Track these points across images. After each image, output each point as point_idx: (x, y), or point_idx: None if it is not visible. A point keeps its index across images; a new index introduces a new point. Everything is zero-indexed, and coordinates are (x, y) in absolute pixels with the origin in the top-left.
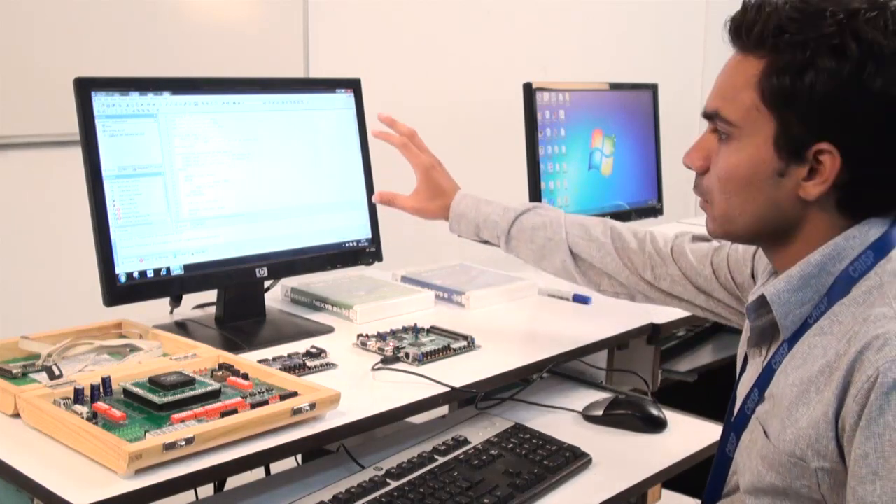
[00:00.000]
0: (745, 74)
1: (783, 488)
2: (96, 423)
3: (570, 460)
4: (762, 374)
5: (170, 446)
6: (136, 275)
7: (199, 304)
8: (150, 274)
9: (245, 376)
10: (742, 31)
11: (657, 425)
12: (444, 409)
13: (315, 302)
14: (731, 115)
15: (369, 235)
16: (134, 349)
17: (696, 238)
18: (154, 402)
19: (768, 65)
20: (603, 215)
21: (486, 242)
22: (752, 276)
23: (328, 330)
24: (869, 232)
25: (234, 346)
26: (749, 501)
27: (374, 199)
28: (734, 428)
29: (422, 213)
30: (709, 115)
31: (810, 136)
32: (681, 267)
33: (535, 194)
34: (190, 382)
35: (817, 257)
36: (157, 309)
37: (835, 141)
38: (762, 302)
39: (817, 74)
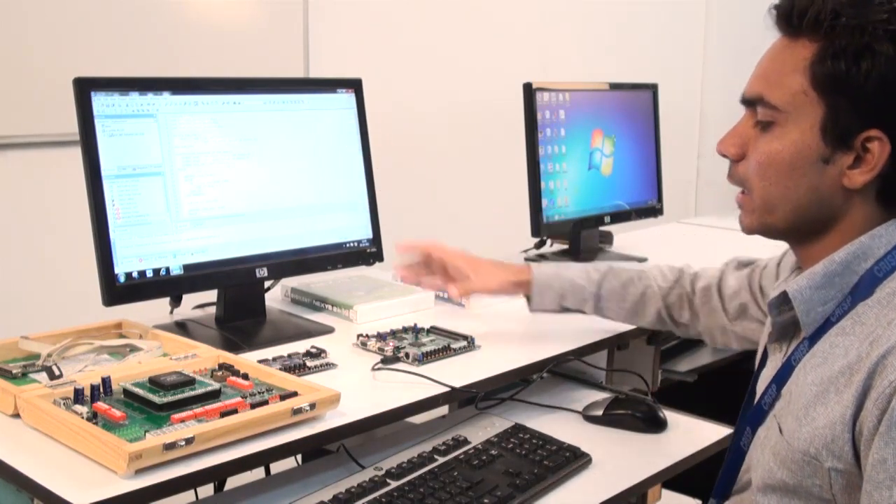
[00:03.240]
0: (793, 59)
1: (793, 486)
2: (96, 423)
3: (570, 460)
4: (781, 370)
5: (170, 446)
6: (135, 275)
7: (199, 304)
8: (149, 274)
9: (245, 376)
10: (793, 15)
11: (657, 425)
12: (444, 409)
13: (315, 302)
14: (775, 100)
15: (370, 236)
16: (134, 349)
17: (741, 264)
18: (154, 402)
19: (821, 49)
20: (603, 215)
21: (565, 310)
22: None
23: (328, 330)
24: (895, 233)
25: (234, 346)
26: (759, 498)
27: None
28: (750, 422)
29: (496, 289)
30: (749, 101)
31: (860, 123)
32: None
33: (535, 194)
34: (190, 382)
35: (842, 255)
36: (157, 309)
37: (885, 128)
38: (784, 298)
39: (874, 59)
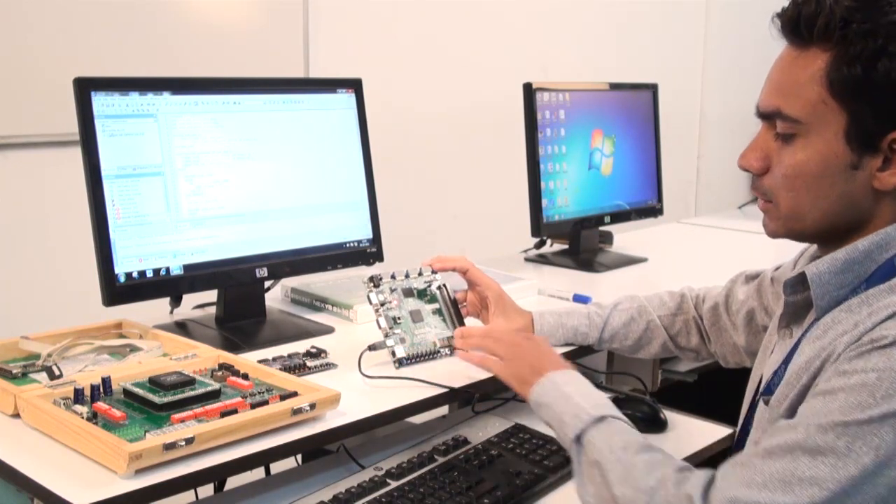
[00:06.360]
0: (807, 69)
1: None
2: (96, 423)
3: (570, 460)
4: (790, 351)
5: (170, 446)
6: (135, 275)
7: (199, 304)
8: (149, 274)
9: (245, 376)
10: (801, 25)
11: (657, 425)
12: (444, 409)
13: (315, 302)
14: (794, 112)
15: (370, 235)
16: (134, 349)
17: (749, 278)
18: (154, 402)
19: (836, 56)
20: (603, 215)
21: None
22: None
23: (328, 330)
24: None
25: (234, 346)
26: None
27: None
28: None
29: None
30: (766, 115)
31: (885, 125)
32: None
33: (535, 194)
34: (190, 382)
35: (865, 244)
36: (157, 309)
37: None
38: (801, 279)
39: (891, 61)
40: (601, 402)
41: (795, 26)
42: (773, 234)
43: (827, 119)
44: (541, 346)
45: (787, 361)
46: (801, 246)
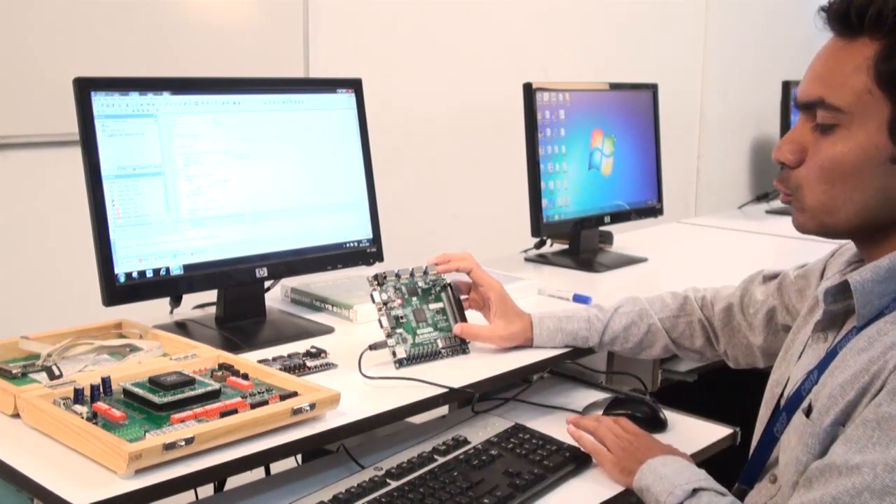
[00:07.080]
0: (854, 59)
1: None
2: (96, 423)
3: (570, 460)
4: (826, 357)
5: (170, 446)
6: (135, 275)
7: (199, 304)
8: (149, 274)
9: (245, 376)
10: (851, 14)
11: (657, 425)
12: (443, 410)
13: (315, 302)
14: (838, 101)
15: (370, 235)
16: (134, 349)
17: (767, 277)
18: (154, 402)
19: (886, 46)
20: (603, 215)
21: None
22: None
23: (328, 330)
24: None
25: (234, 346)
26: (785, 491)
27: (455, 331)
28: (787, 408)
29: (505, 343)
30: (808, 105)
31: None
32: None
33: (535, 194)
34: (190, 382)
35: None
36: (157, 309)
37: None
38: (843, 287)
39: None
40: (695, 477)
41: (845, 15)
42: (802, 228)
43: (871, 110)
44: (650, 442)
45: (821, 367)
46: (804, 248)
